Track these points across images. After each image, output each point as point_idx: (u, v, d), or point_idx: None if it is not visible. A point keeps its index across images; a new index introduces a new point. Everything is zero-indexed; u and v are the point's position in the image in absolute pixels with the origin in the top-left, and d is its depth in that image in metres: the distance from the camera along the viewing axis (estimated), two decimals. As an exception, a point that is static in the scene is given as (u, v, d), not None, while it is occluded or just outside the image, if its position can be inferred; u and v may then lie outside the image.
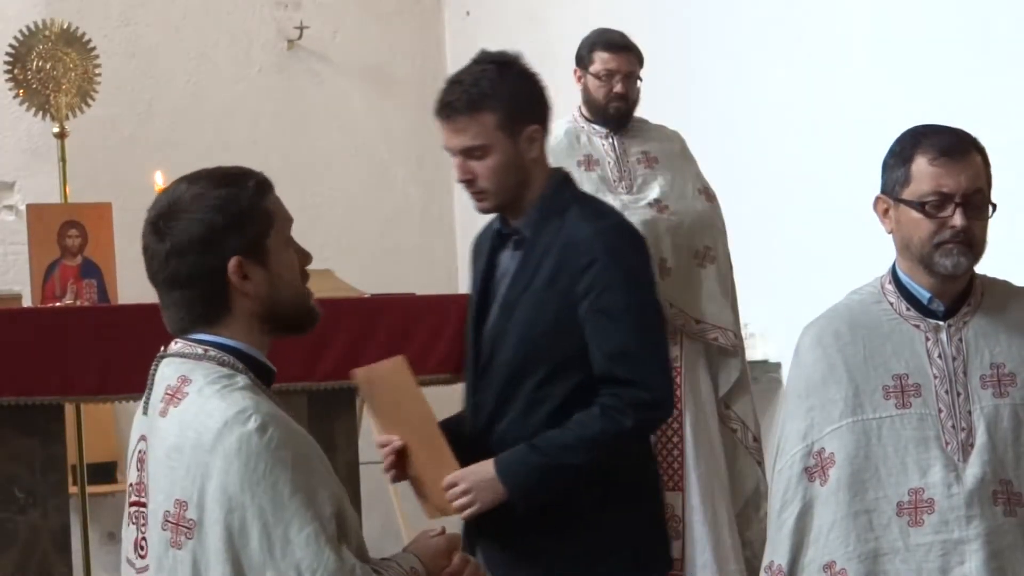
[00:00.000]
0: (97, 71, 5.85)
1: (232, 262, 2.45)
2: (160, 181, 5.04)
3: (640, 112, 5.21)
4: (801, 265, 5.94)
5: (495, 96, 3.25)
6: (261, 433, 2.36)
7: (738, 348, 5.12)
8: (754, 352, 5.98)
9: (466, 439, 3.36)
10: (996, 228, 2.97)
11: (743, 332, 5.27)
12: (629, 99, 5.14)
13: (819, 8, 6.14)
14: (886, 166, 2.97)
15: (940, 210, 2.88)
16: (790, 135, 6.17)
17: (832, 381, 2.95)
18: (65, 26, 5.84)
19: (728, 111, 6.46)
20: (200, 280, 2.47)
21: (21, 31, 5.78)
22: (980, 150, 2.94)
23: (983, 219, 2.92)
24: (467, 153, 3.27)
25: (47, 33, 5.78)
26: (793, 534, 2.95)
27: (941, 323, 2.97)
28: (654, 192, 5.08)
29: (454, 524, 3.13)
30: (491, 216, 3.47)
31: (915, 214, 2.90)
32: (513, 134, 3.27)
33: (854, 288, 3.08)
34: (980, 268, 3.01)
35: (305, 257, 2.56)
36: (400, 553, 2.55)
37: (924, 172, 2.88)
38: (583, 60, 5.15)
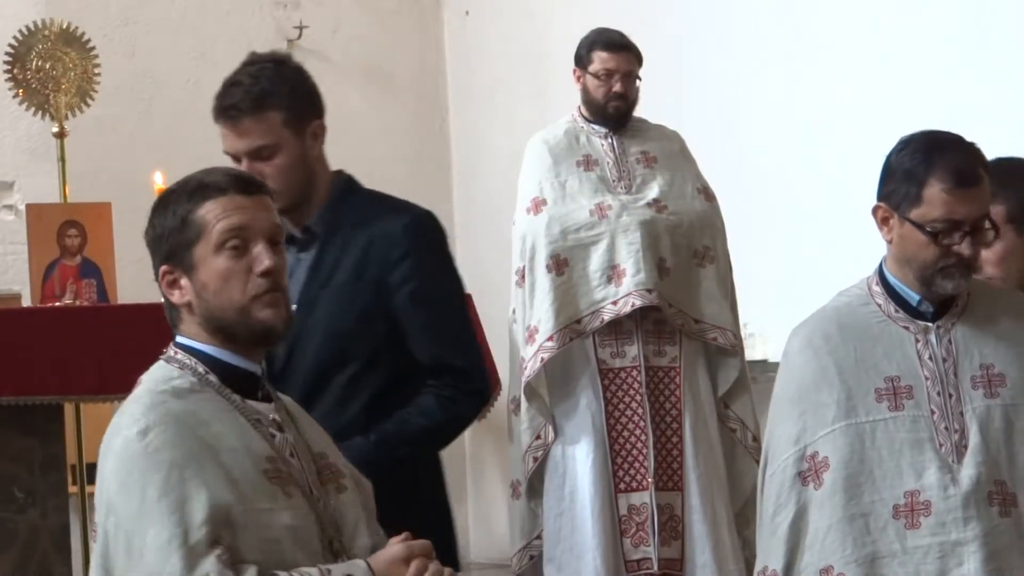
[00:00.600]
0: (97, 71, 5.84)
1: (160, 270, 2.48)
2: (160, 181, 5.03)
3: (639, 112, 5.21)
4: (801, 265, 5.93)
5: (277, 94, 3.20)
6: (141, 437, 2.34)
7: (737, 348, 5.11)
8: (753, 352, 5.98)
9: None
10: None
11: (743, 332, 5.26)
12: (628, 99, 5.13)
13: (819, 8, 6.14)
14: (890, 175, 2.94)
15: (948, 236, 2.88)
16: (789, 135, 6.16)
17: (824, 384, 2.94)
18: (64, 26, 5.84)
19: (727, 111, 6.45)
20: (158, 284, 2.51)
21: (20, 31, 5.78)
22: (987, 169, 2.93)
23: (985, 241, 2.93)
24: (254, 155, 3.20)
25: (46, 33, 5.78)
26: (788, 539, 2.93)
27: (930, 325, 2.96)
28: (653, 192, 5.08)
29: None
30: None
31: (922, 237, 2.89)
32: (299, 131, 3.23)
33: (841, 290, 3.08)
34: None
35: (259, 265, 2.44)
36: (348, 562, 2.44)
37: (937, 199, 2.87)
38: (582, 60, 5.15)
